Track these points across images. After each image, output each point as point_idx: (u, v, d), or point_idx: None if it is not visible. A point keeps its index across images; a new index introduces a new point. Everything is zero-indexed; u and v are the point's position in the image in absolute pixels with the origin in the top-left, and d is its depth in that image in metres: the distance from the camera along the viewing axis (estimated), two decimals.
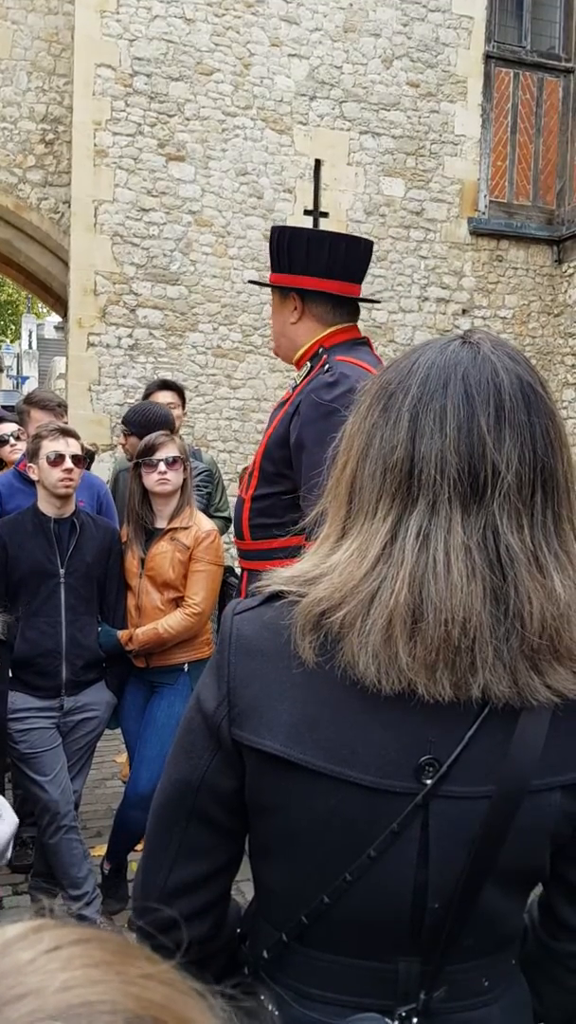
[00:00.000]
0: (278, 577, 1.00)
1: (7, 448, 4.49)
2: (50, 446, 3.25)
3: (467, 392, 0.91)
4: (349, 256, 2.51)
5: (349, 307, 2.53)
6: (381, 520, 0.92)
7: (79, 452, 3.33)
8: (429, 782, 0.90)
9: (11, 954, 0.41)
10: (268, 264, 2.59)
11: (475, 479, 0.89)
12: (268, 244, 2.52)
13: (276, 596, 0.99)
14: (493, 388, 0.91)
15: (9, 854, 2.29)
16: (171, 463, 3.41)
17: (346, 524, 0.96)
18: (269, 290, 2.57)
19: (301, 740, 0.92)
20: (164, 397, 4.72)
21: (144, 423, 4.16)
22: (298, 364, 2.53)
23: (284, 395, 2.56)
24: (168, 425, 4.18)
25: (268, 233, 9.44)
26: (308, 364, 2.46)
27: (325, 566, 0.95)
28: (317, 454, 2.01)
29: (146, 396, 4.89)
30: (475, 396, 0.90)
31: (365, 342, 2.54)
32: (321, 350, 2.45)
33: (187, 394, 5.11)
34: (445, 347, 0.96)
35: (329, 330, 2.48)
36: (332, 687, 0.92)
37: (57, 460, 3.23)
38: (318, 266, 2.45)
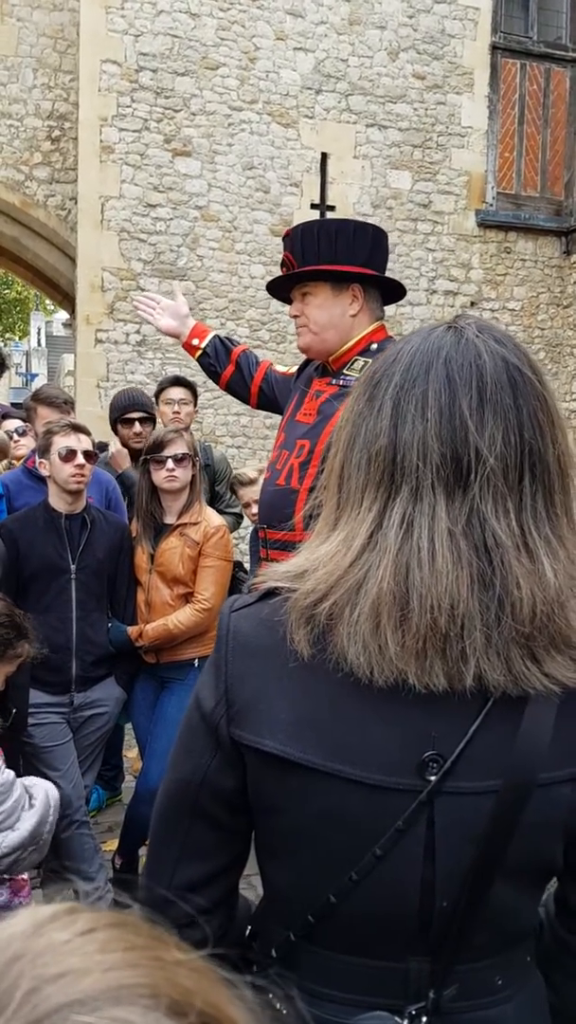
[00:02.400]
0: (273, 573, 0.99)
1: (10, 444, 4.51)
2: (61, 442, 3.26)
3: (449, 376, 0.89)
4: (384, 247, 2.52)
5: (380, 302, 2.52)
6: (367, 509, 0.91)
7: (90, 448, 3.33)
8: (433, 778, 0.89)
9: (46, 934, 0.40)
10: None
11: (458, 464, 0.87)
12: (303, 236, 2.45)
13: (272, 592, 0.98)
14: (475, 371, 0.89)
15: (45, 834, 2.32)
16: (179, 460, 3.41)
17: (336, 515, 0.95)
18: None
19: (301, 738, 0.91)
20: (176, 393, 4.73)
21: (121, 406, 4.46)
22: (339, 360, 2.45)
23: (324, 387, 2.48)
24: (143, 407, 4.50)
25: (275, 228, 9.33)
26: (361, 359, 2.41)
27: (314, 558, 0.94)
28: None
29: (158, 392, 4.90)
30: (456, 380, 0.89)
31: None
32: (374, 346, 2.42)
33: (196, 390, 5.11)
34: (430, 333, 0.95)
35: (375, 325, 2.46)
36: (329, 682, 0.91)
37: (69, 456, 3.23)
38: (375, 258, 2.44)
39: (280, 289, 2.55)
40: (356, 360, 2.43)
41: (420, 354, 0.92)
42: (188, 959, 0.42)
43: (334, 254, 2.40)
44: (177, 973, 0.40)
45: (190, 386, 4.89)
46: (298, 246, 2.43)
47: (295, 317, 2.50)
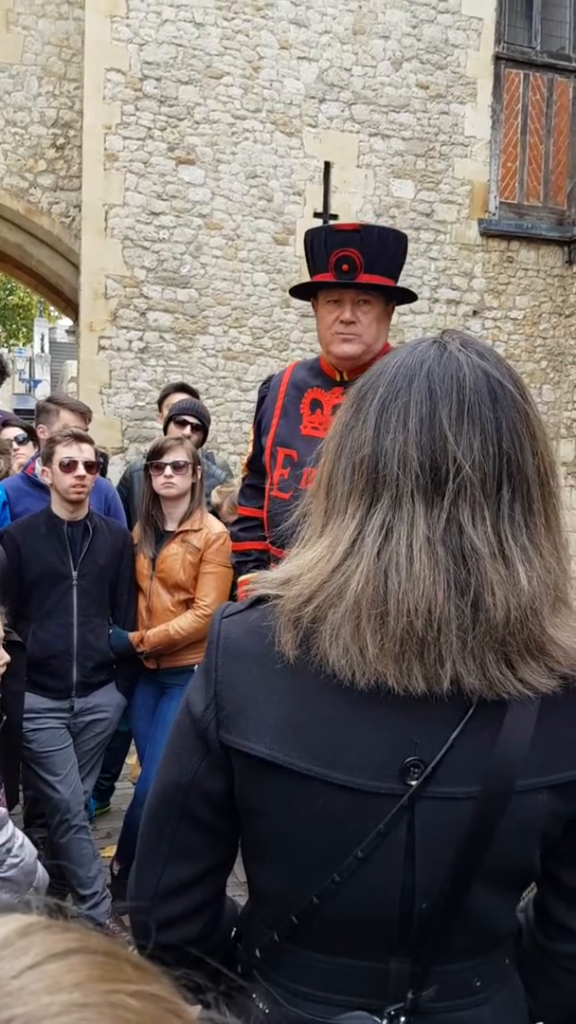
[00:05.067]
0: (263, 580, 1.02)
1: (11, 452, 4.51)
2: (63, 452, 3.28)
3: (430, 388, 0.92)
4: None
5: None
6: (351, 517, 0.94)
7: (92, 458, 3.35)
8: (414, 783, 0.91)
9: None
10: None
11: (436, 473, 0.90)
12: (379, 240, 2.36)
13: (262, 599, 1.01)
14: (456, 383, 0.92)
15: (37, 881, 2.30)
16: (178, 467, 3.43)
17: (323, 522, 0.98)
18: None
19: (287, 742, 0.94)
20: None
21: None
22: (358, 370, 2.38)
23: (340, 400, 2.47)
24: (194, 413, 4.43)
25: (278, 236, 9.26)
26: None
27: (301, 564, 0.97)
28: None
29: (161, 399, 4.91)
30: (437, 391, 0.92)
31: None
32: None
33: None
34: (415, 347, 0.98)
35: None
36: (314, 687, 0.93)
37: (70, 466, 3.26)
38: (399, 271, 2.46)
39: (312, 286, 2.42)
40: None
41: (404, 367, 0.95)
42: (145, 989, 0.41)
43: (395, 270, 2.40)
44: (129, 1008, 0.40)
45: (194, 393, 4.91)
46: (370, 250, 2.33)
47: (349, 323, 2.37)
